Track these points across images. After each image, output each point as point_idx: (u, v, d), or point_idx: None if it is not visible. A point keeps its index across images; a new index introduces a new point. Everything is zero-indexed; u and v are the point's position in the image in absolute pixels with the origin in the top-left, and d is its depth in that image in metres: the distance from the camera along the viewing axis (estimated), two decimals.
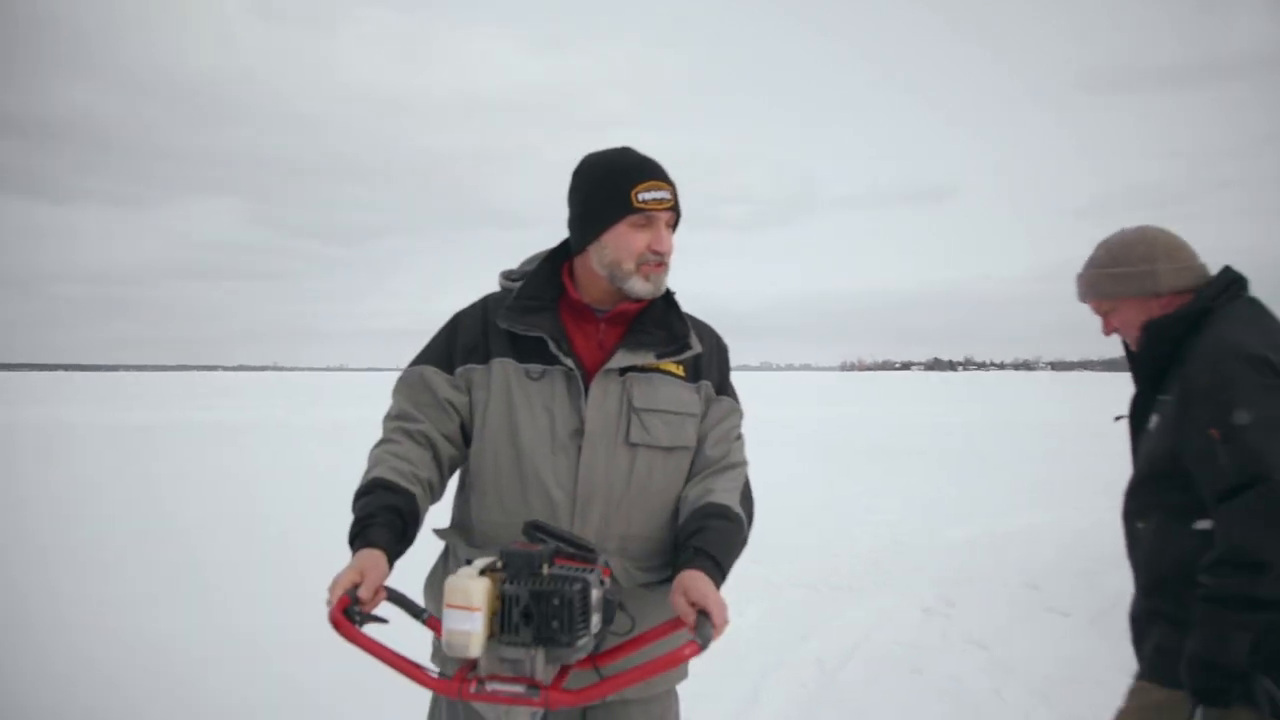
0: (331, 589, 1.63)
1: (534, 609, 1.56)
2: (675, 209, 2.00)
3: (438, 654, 2.04)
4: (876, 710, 4.36)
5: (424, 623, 1.79)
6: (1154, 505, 2.31)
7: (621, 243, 1.95)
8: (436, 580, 2.07)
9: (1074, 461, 15.41)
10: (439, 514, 2.08)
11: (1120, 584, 7.01)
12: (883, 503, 10.74)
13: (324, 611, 1.61)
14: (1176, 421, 2.18)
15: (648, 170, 1.98)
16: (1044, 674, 4.84)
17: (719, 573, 1.82)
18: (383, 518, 1.78)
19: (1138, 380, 2.39)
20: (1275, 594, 1.94)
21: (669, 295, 2.08)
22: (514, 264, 2.19)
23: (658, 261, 1.97)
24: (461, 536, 2.03)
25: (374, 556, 1.71)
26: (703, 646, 1.65)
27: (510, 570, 1.59)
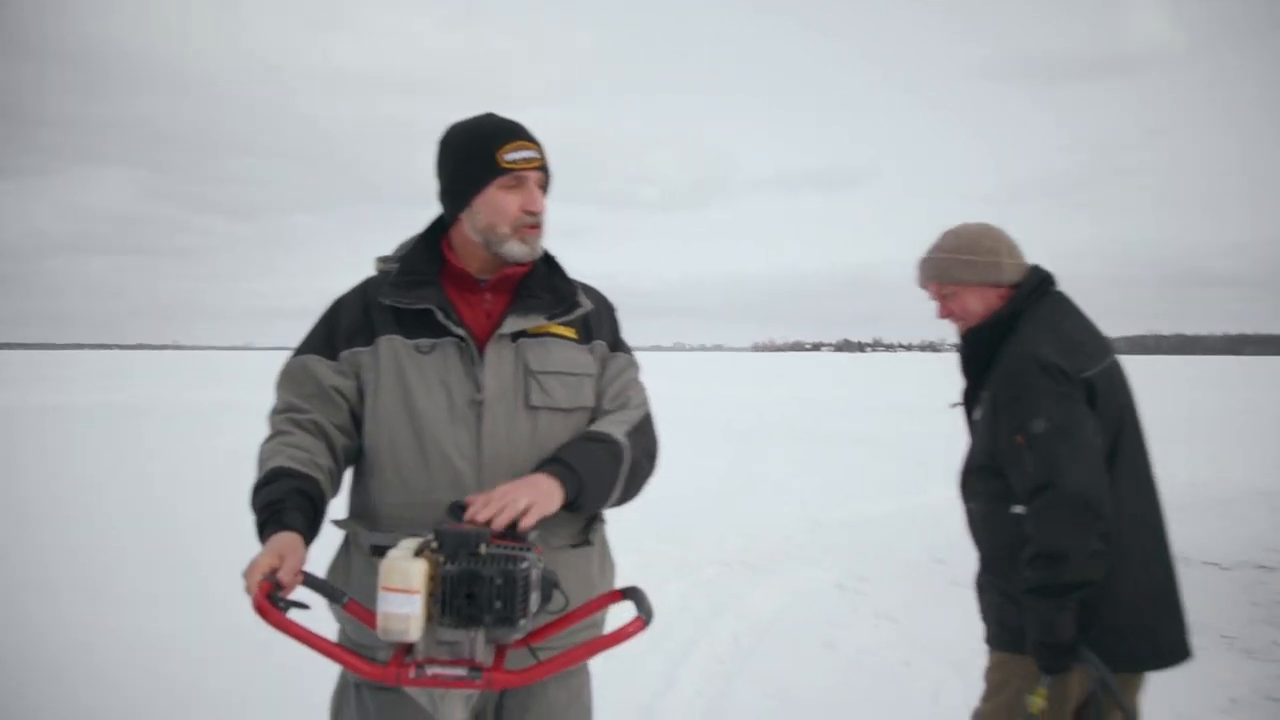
0: (249, 574, 1.56)
1: (476, 590, 1.53)
2: (544, 169, 1.98)
3: (345, 641, 1.98)
4: (792, 684, 4.42)
5: (344, 607, 1.74)
6: (980, 490, 2.54)
7: (493, 206, 1.92)
8: (339, 573, 2.01)
9: None
10: (333, 507, 2.00)
11: None
12: (795, 482, 10.88)
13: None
14: (991, 422, 2.44)
15: (511, 131, 1.95)
16: (953, 645, 4.93)
17: (571, 475, 1.80)
18: (292, 501, 1.73)
19: (964, 375, 2.62)
20: (1079, 578, 2.24)
21: (550, 258, 2.07)
22: None
23: (532, 223, 1.94)
24: (364, 524, 1.97)
25: (290, 539, 1.66)
26: (648, 621, 1.65)
27: (447, 550, 1.55)
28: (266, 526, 1.70)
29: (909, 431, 17.49)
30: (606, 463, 1.90)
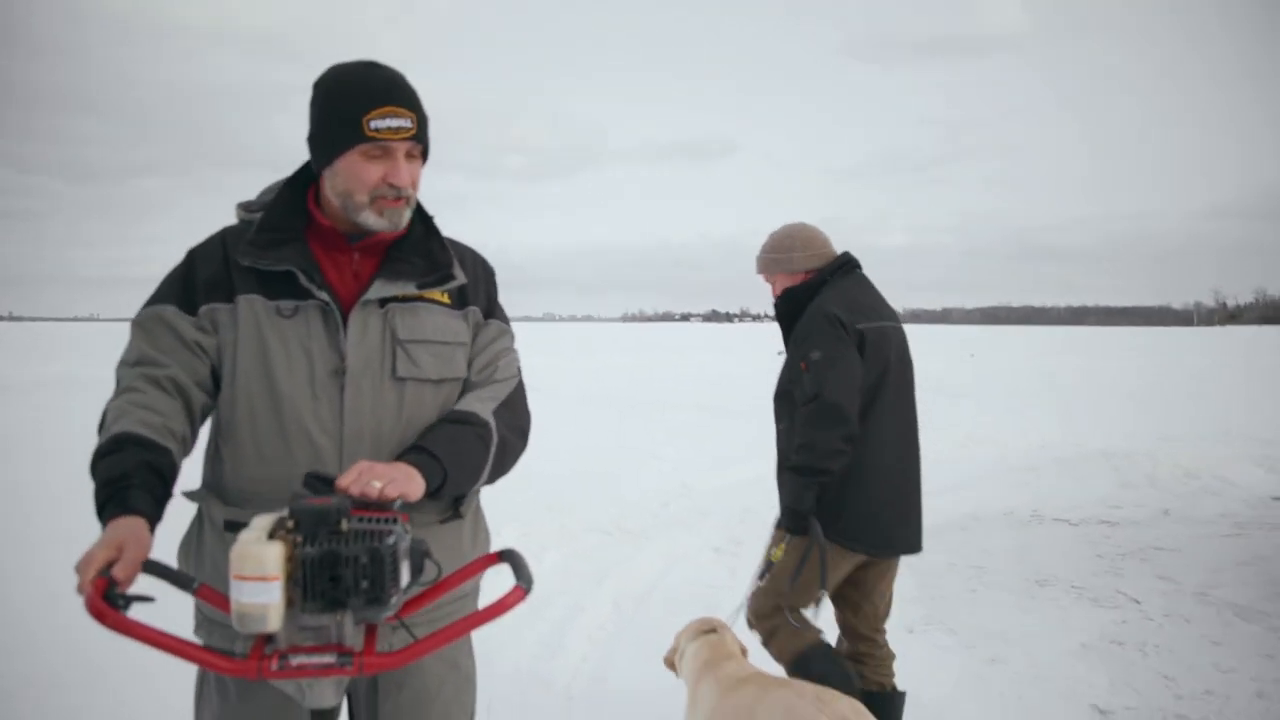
0: (81, 569, 1.42)
1: (340, 571, 1.41)
2: (418, 138, 1.82)
3: (202, 626, 1.88)
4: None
5: (194, 593, 1.61)
6: (783, 412, 3.40)
7: (353, 172, 1.78)
8: (191, 550, 1.89)
9: None
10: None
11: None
12: (667, 450, 10.96)
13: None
14: (789, 357, 3.28)
15: (384, 93, 1.78)
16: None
17: (435, 465, 1.72)
18: (139, 478, 1.58)
19: (781, 331, 3.48)
20: (823, 465, 3.09)
21: (428, 220, 1.96)
22: None
23: (393, 196, 1.80)
24: (216, 497, 1.85)
25: (134, 525, 1.51)
26: (527, 590, 1.58)
27: (305, 529, 1.42)
28: (108, 506, 1.55)
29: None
30: (473, 445, 1.82)
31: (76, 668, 3.99)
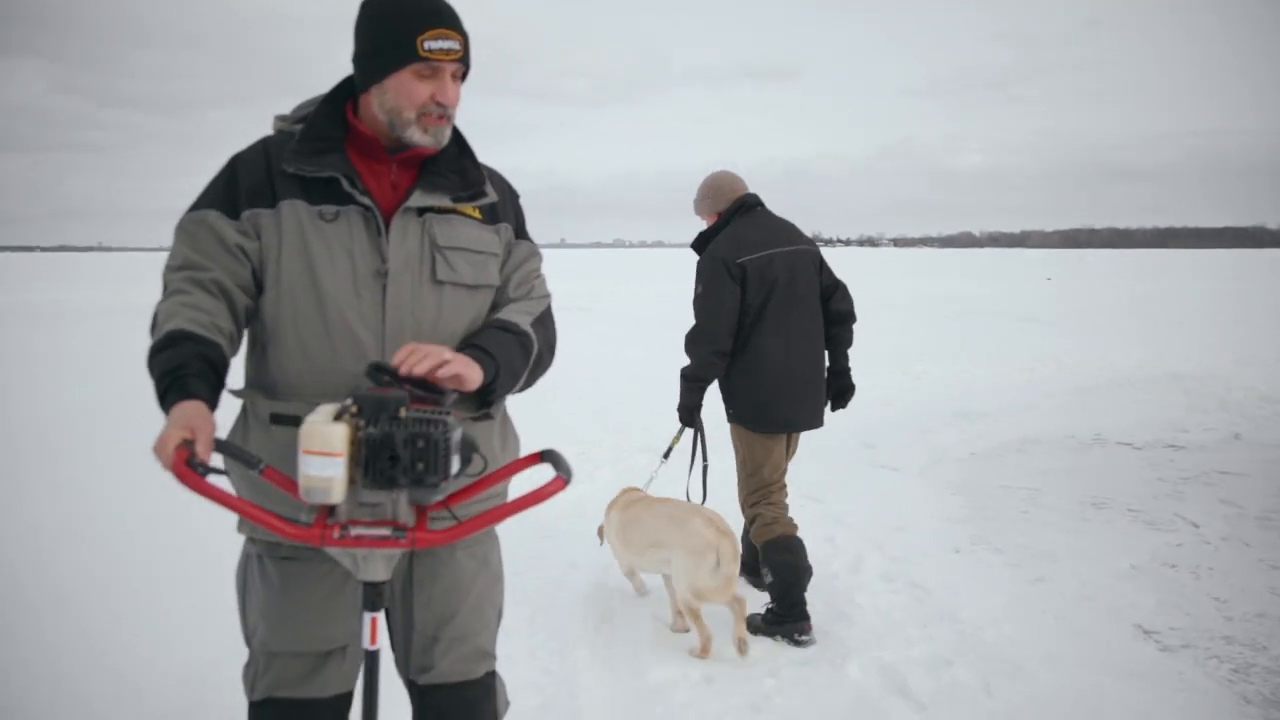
0: (160, 447, 1.52)
1: (399, 452, 1.54)
2: (464, 60, 1.90)
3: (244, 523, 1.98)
4: None
5: (260, 473, 1.71)
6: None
7: (403, 90, 1.86)
8: (238, 442, 1.97)
9: (908, 333, 16.11)
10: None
11: (948, 442, 7.45)
12: None
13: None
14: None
15: (437, 16, 1.86)
16: (874, 523, 5.14)
17: (490, 361, 1.85)
18: (194, 367, 1.67)
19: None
20: (699, 375, 3.95)
21: (461, 139, 2.02)
22: None
23: (439, 114, 1.88)
24: (261, 392, 1.93)
25: (198, 408, 1.61)
26: (568, 480, 1.67)
27: (367, 414, 1.55)
28: (169, 394, 1.64)
29: None
30: (516, 351, 1.94)
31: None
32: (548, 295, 2.14)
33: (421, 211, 1.93)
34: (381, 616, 1.70)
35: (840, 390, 4.24)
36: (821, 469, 6.33)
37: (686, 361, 3.96)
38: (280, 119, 2.02)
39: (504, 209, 2.08)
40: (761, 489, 3.99)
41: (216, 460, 1.62)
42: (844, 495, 5.70)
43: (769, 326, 3.89)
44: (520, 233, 2.12)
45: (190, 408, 1.60)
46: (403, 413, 1.56)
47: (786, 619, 3.72)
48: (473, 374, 1.76)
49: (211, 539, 3.35)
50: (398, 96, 1.86)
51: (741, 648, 3.57)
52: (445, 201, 1.95)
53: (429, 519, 1.68)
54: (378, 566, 1.65)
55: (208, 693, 3.15)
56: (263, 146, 1.96)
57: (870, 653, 3.53)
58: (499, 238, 2.04)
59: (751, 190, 4.16)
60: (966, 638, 3.66)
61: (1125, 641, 3.70)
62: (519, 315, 2.01)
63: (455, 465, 1.61)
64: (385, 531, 1.59)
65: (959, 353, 12.57)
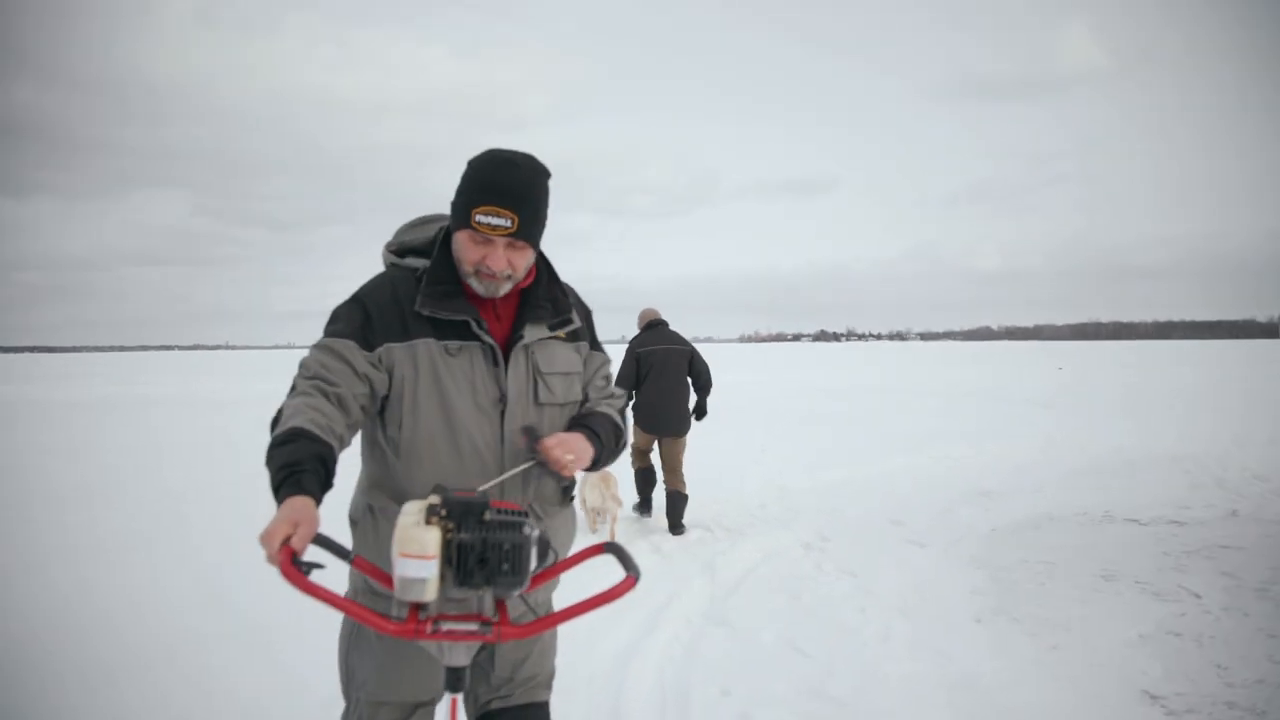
0: (267, 540, 1.50)
1: (488, 555, 1.53)
2: (519, 235, 1.91)
3: (354, 594, 2.03)
4: (758, 629, 4.48)
5: (351, 564, 1.74)
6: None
7: (461, 247, 1.94)
8: (368, 539, 2.00)
9: (936, 415, 15.89)
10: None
11: (970, 519, 7.29)
12: (768, 455, 10.88)
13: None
14: None
15: (494, 194, 1.88)
16: (902, 595, 5.01)
17: (595, 440, 1.96)
18: (310, 465, 1.66)
19: None
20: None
21: (551, 269, 2.10)
22: None
23: (489, 273, 1.92)
24: (390, 498, 1.96)
25: (307, 504, 1.59)
26: (637, 578, 1.66)
27: (455, 517, 1.54)
28: (284, 487, 1.62)
29: (874, 409, 17.58)
30: (612, 434, 2.05)
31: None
32: (622, 395, 2.24)
33: (528, 344, 2.01)
34: (461, 696, 1.69)
35: (698, 413, 7.22)
36: (854, 545, 6.24)
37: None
38: (391, 251, 2.09)
39: (583, 329, 2.17)
40: (639, 454, 7.30)
41: (316, 553, 1.63)
42: (875, 569, 5.58)
43: (650, 382, 6.92)
44: (594, 344, 2.21)
45: (300, 504, 1.59)
46: (487, 516, 1.55)
47: (643, 504, 7.39)
48: (586, 458, 1.92)
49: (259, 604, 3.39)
50: (459, 251, 1.95)
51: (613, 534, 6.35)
52: (544, 333, 2.04)
53: (509, 606, 1.71)
54: (460, 654, 1.65)
55: None
56: (390, 285, 2.00)
57: (900, 717, 3.43)
58: (580, 355, 2.13)
59: (660, 315, 7.29)
60: (987, 704, 3.53)
61: (1134, 706, 3.55)
62: (609, 408, 2.13)
63: (534, 561, 1.60)
64: (473, 626, 1.57)
65: (977, 435, 12.35)
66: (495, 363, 1.96)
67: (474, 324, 1.94)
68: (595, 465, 2.00)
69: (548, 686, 2.20)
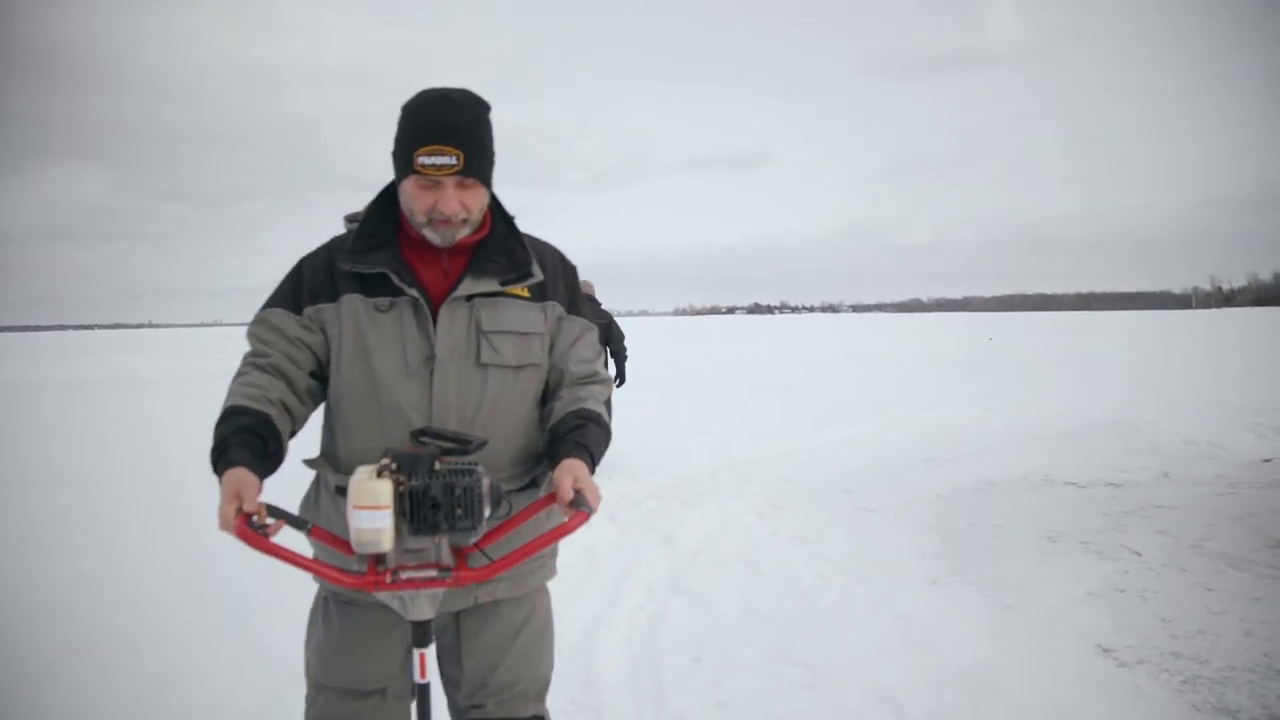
0: (220, 517, 1.56)
1: (440, 500, 1.55)
2: (467, 172, 1.79)
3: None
4: (720, 597, 4.53)
5: (308, 534, 1.72)
6: None
7: (410, 196, 1.82)
8: (310, 507, 1.99)
9: (875, 385, 16.17)
10: (309, 447, 2.02)
11: (917, 484, 7.44)
12: (715, 426, 10.96)
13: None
14: None
15: (434, 133, 1.76)
16: (858, 560, 5.10)
17: (593, 465, 1.81)
18: (237, 439, 1.68)
19: None
20: None
21: (510, 221, 1.96)
22: None
23: (443, 219, 1.81)
24: (330, 465, 1.93)
25: (241, 474, 1.62)
26: (590, 513, 1.67)
27: (406, 469, 1.56)
28: (219, 465, 1.66)
29: (812, 379, 17.82)
30: (604, 444, 1.89)
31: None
32: (609, 379, 2.06)
33: (470, 298, 1.87)
34: (430, 652, 1.69)
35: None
36: (807, 513, 6.34)
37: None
38: (348, 219, 1.99)
39: (552, 287, 1.99)
40: None
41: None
42: (828, 536, 5.66)
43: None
44: (572, 307, 2.02)
45: (233, 475, 1.61)
46: (436, 465, 1.58)
47: None
48: (598, 494, 1.74)
49: (272, 585, 3.33)
50: (408, 201, 1.82)
51: None
52: (493, 286, 1.88)
53: (467, 561, 1.68)
54: (424, 606, 1.65)
55: None
56: (326, 248, 1.94)
57: (867, 678, 3.50)
58: (545, 316, 1.96)
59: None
60: (949, 662, 3.63)
61: (1089, 659, 3.69)
62: (596, 404, 1.93)
63: (487, 509, 1.61)
64: (431, 573, 1.61)
65: (918, 404, 12.62)
66: (429, 319, 1.85)
67: (394, 276, 1.83)
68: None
69: (537, 698, 2.04)
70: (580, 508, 1.67)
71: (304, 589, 2.05)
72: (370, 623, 1.93)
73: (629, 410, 11.79)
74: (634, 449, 8.68)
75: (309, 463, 1.97)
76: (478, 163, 1.81)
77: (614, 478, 7.29)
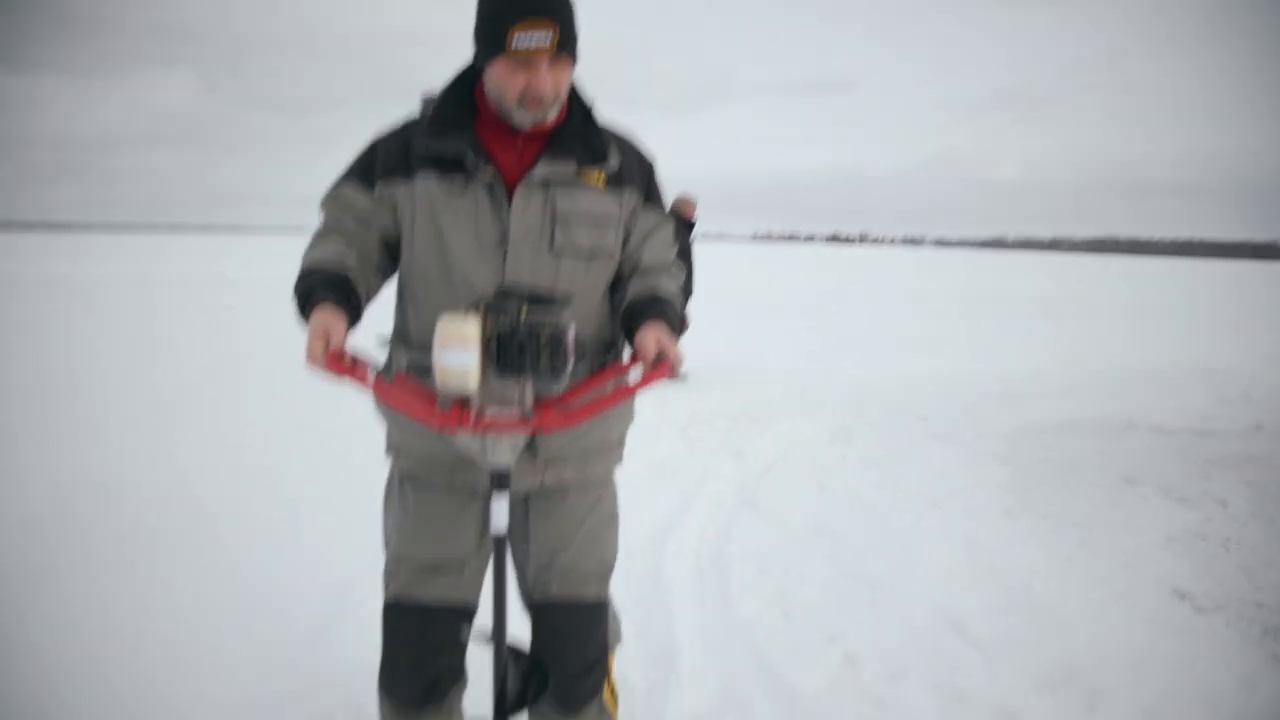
0: (308, 354, 1.57)
1: (527, 344, 1.56)
2: (562, 46, 1.72)
3: (389, 447, 2.02)
4: (790, 513, 4.56)
5: (393, 381, 1.71)
6: None
7: (500, 80, 1.76)
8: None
9: (954, 320, 15.85)
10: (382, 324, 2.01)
11: (993, 418, 7.33)
12: (790, 351, 10.93)
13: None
14: None
15: (527, 6, 1.69)
16: (929, 486, 5.08)
17: (675, 334, 1.80)
18: (320, 286, 1.70)
19: None
20: None
21: (587, 110, 1.90)
22: None
23: (535, 99, 1.76)
24: (402, 344, 1.94)
25: (327, 312, 1.64)
26: (673, 372, 1.67)
27: (496, 311, 1.58)
28: (304, 309, 1.68)
29: (888, 311, 17.56)
30: (679, 325, 1.85)
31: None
32: (682, 269, 2.04)
33: (546, 184, 1.84)
34: (505, 506, 1.72)
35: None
36: (879, 439, 6.30)
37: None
38: (425, 98, 1.96)
39: (629, 175, 1.94)
40: None
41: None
42: (900, 462, 5.65)
43: None
44: (649, 198, 1.98)
45: (322, 312, 1.64)
46: (524, 313, 1.59)
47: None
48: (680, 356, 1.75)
49: (350, 461, 3.43)
50: (497, 85, 1.77)
51: None
52: (569, 170, 1.84)
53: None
54: (504, 451, 1.66)
55: (348, 604, 3.24)
56: (402, 127, 1.92)
57: (934, 599, 3.50)
58: (620, 204, 1.92)
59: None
60: (1018, 591, 3.61)
61: (1164, 602, 3.62)
62: (672, 292, 1.92)
63: (573, 359, 1.61)
64: (515, 413, 1.62)
65: (997, 341, 12.37)
66: (503, 202, 1.82)
67: (470, 157, 1.80)
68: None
69: (600, 580, 2.06)
70: (666, 362, 1.67)
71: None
72: (444, 504, 1.96)
73: (703, 330, 11.82)
74: (708, 368, 8.71)
75: (383, 339, 1.99)
76: (570, 38, 1.76)
77: (688, 396, 7.32)
